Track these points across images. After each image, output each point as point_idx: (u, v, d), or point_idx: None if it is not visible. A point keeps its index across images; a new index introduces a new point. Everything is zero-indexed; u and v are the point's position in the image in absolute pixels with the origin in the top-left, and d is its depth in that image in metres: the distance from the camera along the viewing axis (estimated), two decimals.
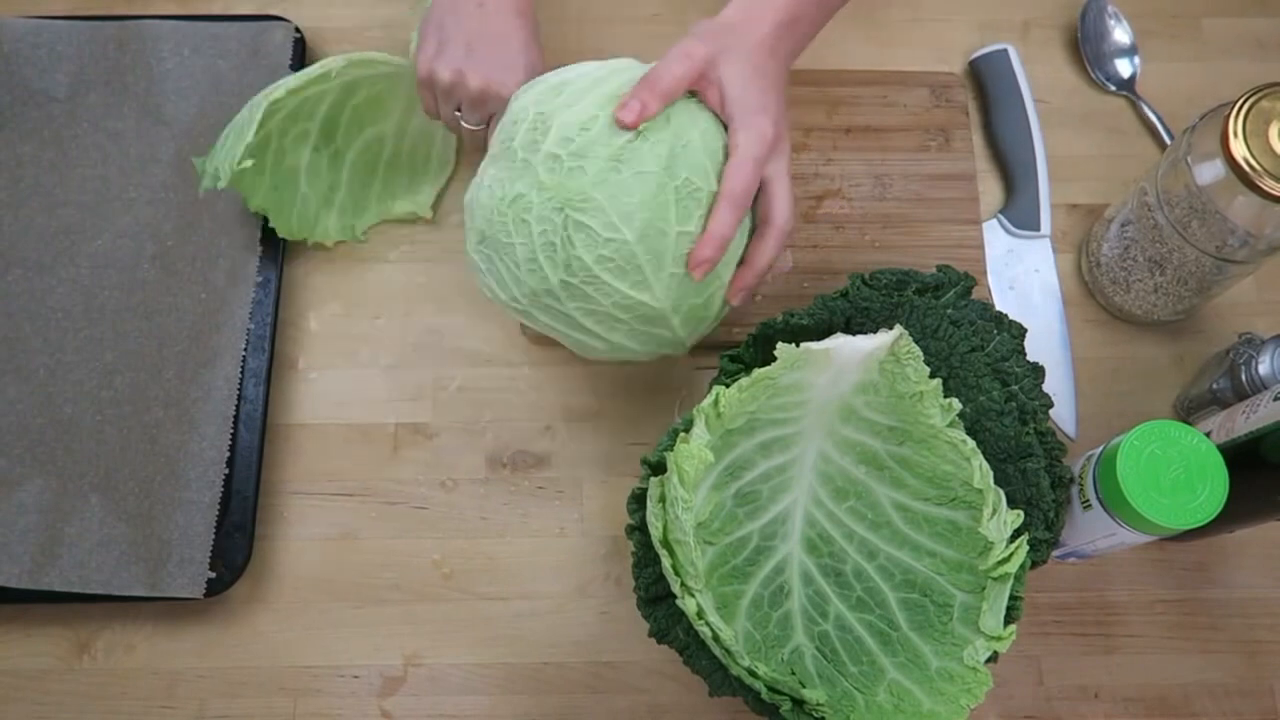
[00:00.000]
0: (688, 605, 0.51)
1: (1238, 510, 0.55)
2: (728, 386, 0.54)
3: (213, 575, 0.63)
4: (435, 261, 0.73)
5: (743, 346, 0.59)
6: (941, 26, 0.81)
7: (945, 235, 0.73)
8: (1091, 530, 0.58)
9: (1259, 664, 0.65)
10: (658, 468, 0.55)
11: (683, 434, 0.53)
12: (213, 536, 0.63)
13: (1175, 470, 0.55)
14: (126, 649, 0.64)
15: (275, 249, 0.71)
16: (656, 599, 0.55)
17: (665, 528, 0.52)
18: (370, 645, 0.65)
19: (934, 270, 0.60)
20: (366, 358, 0.71)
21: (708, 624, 0.51)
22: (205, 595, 0.63)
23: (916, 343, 0.56)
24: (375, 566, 0.66)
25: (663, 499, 0.53)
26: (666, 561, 0.52)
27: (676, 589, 0.52)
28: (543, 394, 0.70)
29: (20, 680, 0.64)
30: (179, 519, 0.64)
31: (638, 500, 0.55)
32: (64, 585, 0.62)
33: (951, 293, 0.59)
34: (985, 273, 0.73)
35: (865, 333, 0.59)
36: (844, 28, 0.80)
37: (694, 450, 0.52)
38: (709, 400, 0.54)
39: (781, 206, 0.57)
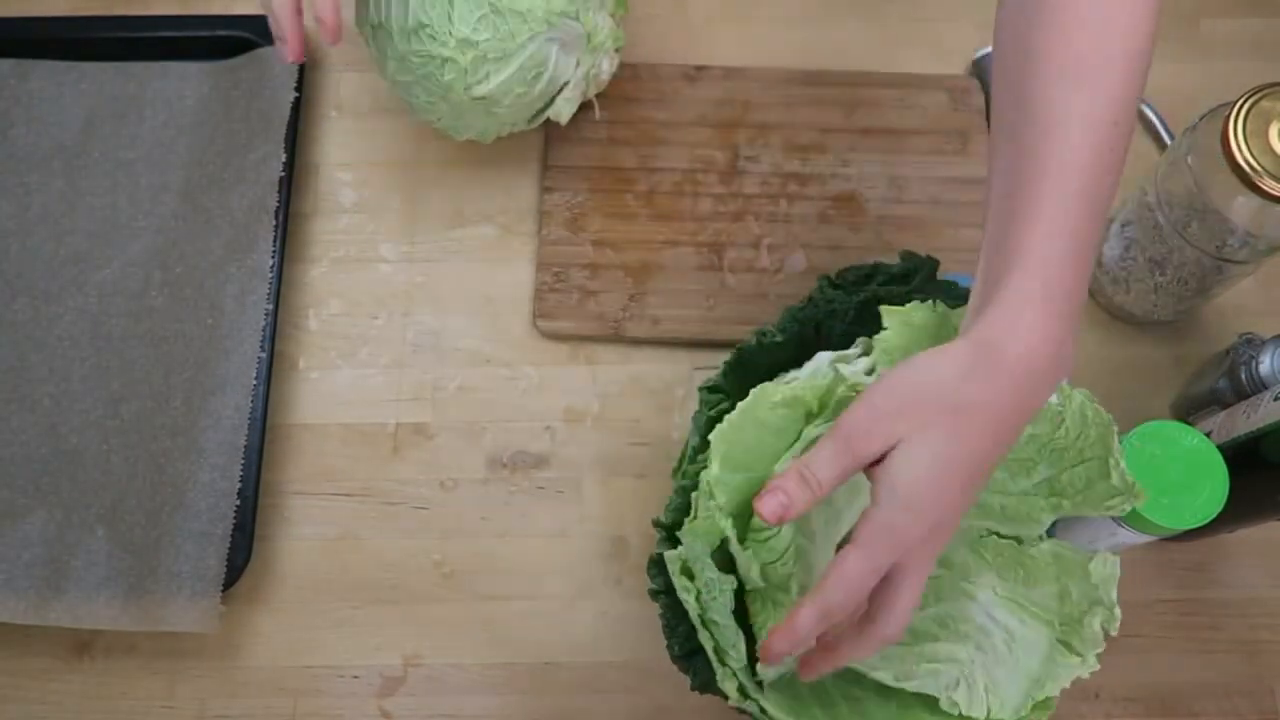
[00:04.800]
0: (728, 686, 0.49)
1: (1238, 510, 0.55)
2: (715, 421, 0.52)
3: (224, 609, 0.62)
4: (435, 261, 0.73)
5: (720, 375, 0.58)
6: (942, 26, 0.80)
7: (961, 239, 0.73)
8: (1092, 530, 0.58)
9: (1259, 664, 0.65)
10: (671, 530, 0.53)
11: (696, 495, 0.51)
12: (224, 569, 0.62)
13: (1175, 470, 0.55)
14: (126, 649, 0.64)
15: (282, 266, 0.70)
16: (691, 653, 0.53)
17: (700, 604, 0.49)
18: (370, 645, 0.65)
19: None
20: (366, 358, 0.71)
21: (753, 700, 0.49)
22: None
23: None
24: (375, 566, 0.66)
25: (687, 572, 0.50)
26: (707, 643, 0.50)
27: (717, 669, 0.49)
28: (543, 394, 0.70)
29: (20, 680, 0.64)
30: (189, 551, 0.62)
31: (657, 565, 0.53)
32: (71, 621, 0.61)
33: (919, 278, 0.59)
34: None
35: (836, 334, 0.58)
36: (845, 27, 0.80)
37: (704, 527, 0.49)
38: (714, 487, 0.50)
39: (894, 611, 0.43)
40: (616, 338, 0.71)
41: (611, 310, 0.71)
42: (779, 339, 0.57)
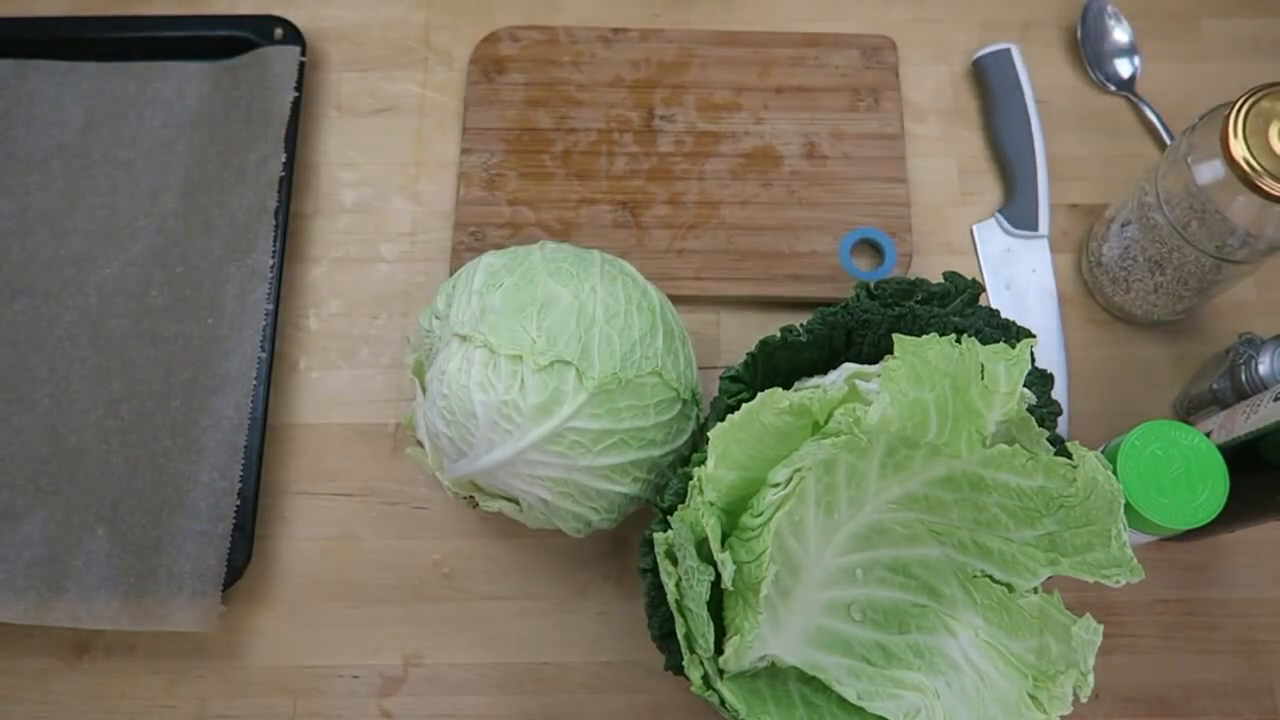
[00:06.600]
0: (693, 673, 0.50)
1: (1238, 510, 0.55)
2: (731, 410, 0.52)
3: (224, 609, 0.62)
4: (435, 261, 0.73)
5: (742, 366, 0.57)
6: (942, 26, 0.80)
7: (872, 193, 0.75)
8: None
9: (1259, 664, 0.65)
10: (668, 513, 0.53)
11: (692, 482, 0.51)
12: (224, 569, 0.62)
13: (1175, 470, 0.55)
14: (126, 649, 0.64)
15: (282, 266, 0.70)
16: (670, 634, 0.54)
17: (679, 590, 0.50)
18: (370, 645, 0.65)
19: (940, 279, 0.59)
20: (366, 358, 0.71)
21: (715, 691, 0.50)
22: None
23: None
24: (375, 566, 0.66)
25: (671, 557, 0.51)
26: (680, 628, 0.51)
27: (685, 655, 0.50)
28: None
29: (20, 680, 0.64)
30: (189, 551, 0.62)
31: (649, 544, 0.53)
32: (71, 621, 0.61)
33: (958, 300, 0.58)
34: (911, 230, 0.73)
35: (866, 345, 0.58)
36: (844, 25, 0.80)
37: (693, 517, 0.50)
38: (705, 483, 0.51)
39: None
40: None
41: None
42: (803, 338, 0.57)
